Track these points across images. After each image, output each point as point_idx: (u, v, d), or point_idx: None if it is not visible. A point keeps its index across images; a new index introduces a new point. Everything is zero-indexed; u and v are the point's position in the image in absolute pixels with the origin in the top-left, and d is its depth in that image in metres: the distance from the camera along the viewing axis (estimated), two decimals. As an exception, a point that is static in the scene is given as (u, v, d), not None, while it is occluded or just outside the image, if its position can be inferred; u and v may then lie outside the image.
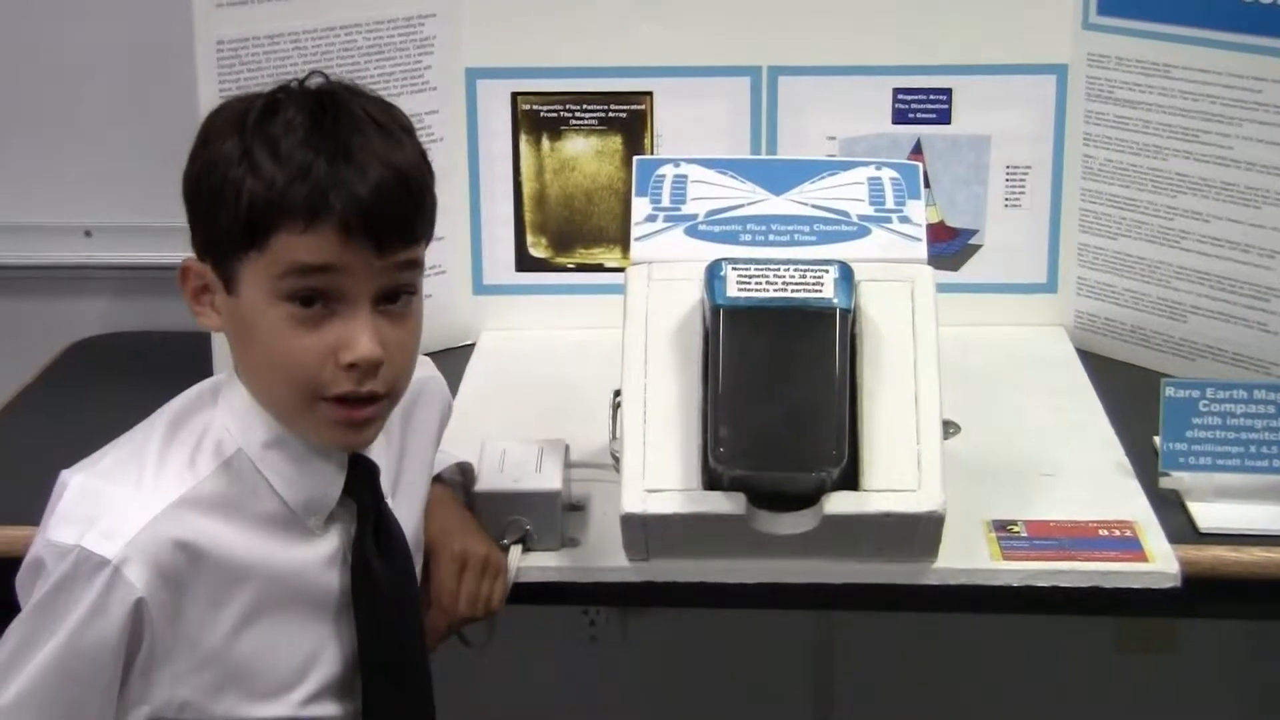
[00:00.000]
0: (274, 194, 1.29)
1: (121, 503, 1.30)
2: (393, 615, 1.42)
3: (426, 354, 1.46)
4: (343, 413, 1.33)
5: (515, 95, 2.08)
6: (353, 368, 1.31)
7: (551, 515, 1.58)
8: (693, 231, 1.60)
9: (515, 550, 1.57)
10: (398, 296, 1.34)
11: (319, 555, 1.38)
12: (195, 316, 1.37)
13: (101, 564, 1.27)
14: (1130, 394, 1.87)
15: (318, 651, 1.39)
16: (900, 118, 2.07)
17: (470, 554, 1.53)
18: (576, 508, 1.64)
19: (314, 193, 1.28)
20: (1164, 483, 1.67)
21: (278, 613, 1.36)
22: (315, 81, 1.36)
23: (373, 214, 1.30)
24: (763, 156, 2.05)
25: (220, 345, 1.94)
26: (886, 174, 1.64)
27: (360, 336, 1.31)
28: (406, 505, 1.48)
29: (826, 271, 1.49)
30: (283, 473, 1.35)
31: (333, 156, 1.30)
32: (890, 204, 1.62)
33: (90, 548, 1.27)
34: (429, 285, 1.42)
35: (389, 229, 1.32)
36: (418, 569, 1.50)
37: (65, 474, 1.35)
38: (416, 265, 1.36)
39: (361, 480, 1.40)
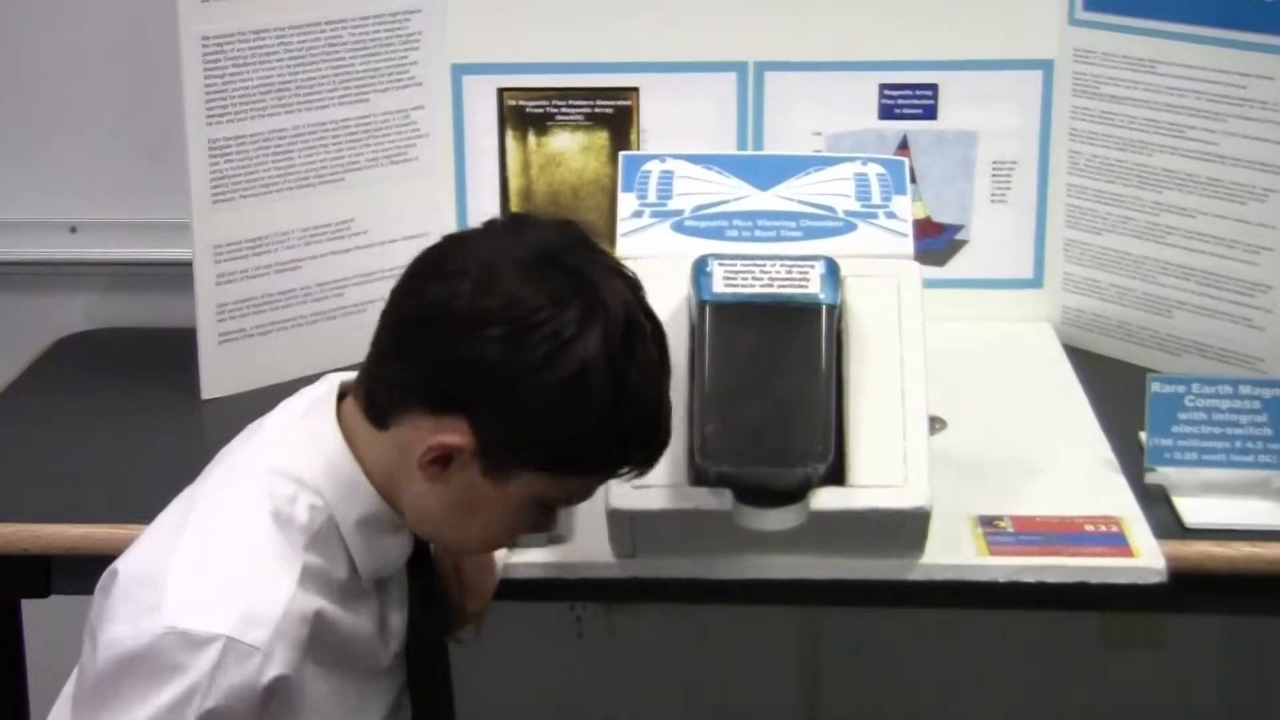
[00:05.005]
0: (629, 449, 1.31)
1: (252, 586, 1.27)
2: (438, 667, 1.46)
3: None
4: None
5: (501, 91, 2.07)
6: None
7: (538, 511, 1.58)
8: (679, 227, 1.60)
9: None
10: None
11: (368, 613, 1.38)
12: (419, 473, 1.31)
13: (251, 652, 1.24)
14: (1116, 389, 1.87)
15: (365, 708, 1.39)
16: (886, 113, 2.07)
17: None
18: (563, 504, 1.64)
19: (649, 459, 1.33)
20: (1150, 478, 1.67)
21: (344, 673, 1.36)
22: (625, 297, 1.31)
23: None
24: (749, 152, 2.05)
25: (208, 346, 1.94)
26: (873, 169, 1.64)
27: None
28: None
29: (813, 267, 1.49)
30: (366, 545, 1.35)
31: (665, 418, 1.33)
32: (876, 199, 1.62)
33: (238, 637, 1.24)
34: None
35: None
36: None
37: (143, 562, 1.30)
38: None
39: (419, 550, 1.41)
